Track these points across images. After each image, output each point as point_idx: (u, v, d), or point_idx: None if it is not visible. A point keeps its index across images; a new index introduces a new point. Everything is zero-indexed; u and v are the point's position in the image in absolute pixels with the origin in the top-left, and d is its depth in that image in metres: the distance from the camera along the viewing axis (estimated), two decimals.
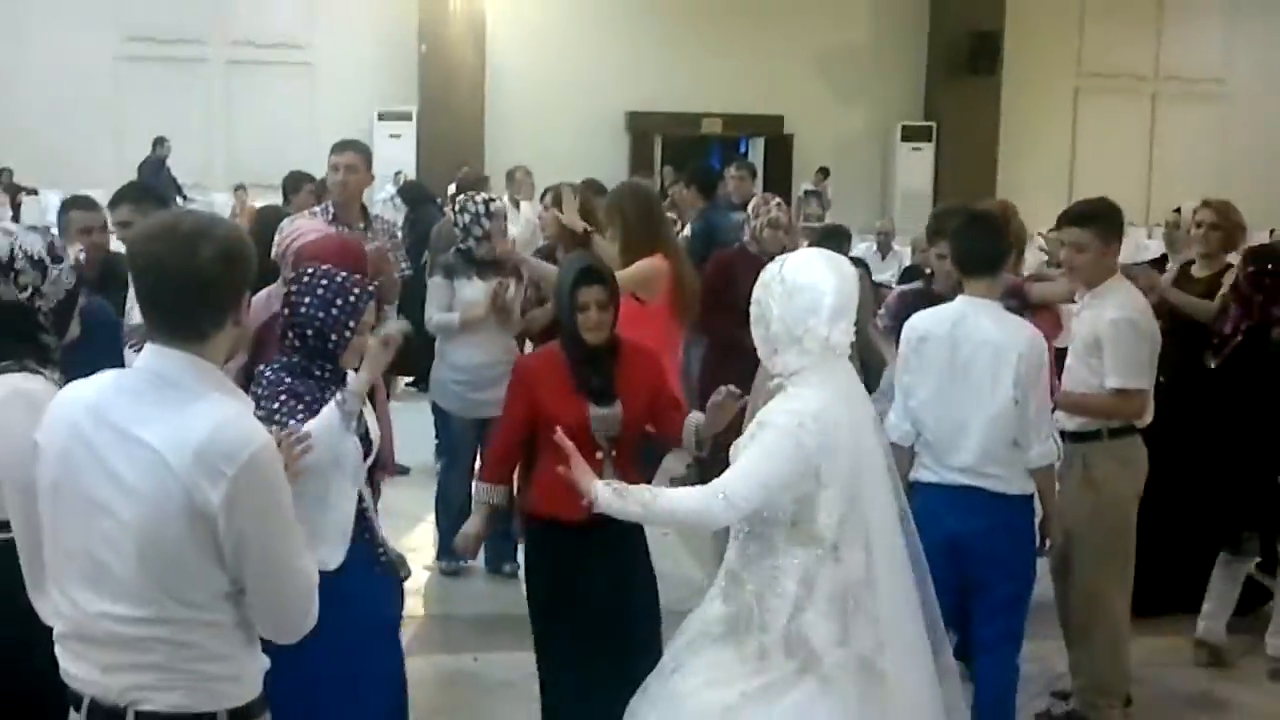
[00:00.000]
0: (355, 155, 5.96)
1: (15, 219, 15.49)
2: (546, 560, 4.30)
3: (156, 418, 2.42)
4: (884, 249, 13.86)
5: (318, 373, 3.61)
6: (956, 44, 19.79)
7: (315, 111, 17.95)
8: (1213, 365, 5.75)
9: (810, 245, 6.24)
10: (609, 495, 3.22)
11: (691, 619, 3.46)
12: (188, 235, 2.47)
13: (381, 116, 18.44)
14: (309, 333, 3.58)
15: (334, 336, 3.59)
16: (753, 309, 3.39)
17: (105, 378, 2.57)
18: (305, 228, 5.05)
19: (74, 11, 17.87)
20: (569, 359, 4.24)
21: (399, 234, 6.82)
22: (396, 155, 17.33)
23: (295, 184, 8.38)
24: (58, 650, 2.56)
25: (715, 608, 3.39)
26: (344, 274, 3.71)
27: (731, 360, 5.39)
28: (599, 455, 4.13)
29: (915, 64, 20.64)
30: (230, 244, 2.50)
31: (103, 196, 16.96)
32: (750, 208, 6.73)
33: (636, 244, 5.74)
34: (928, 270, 6.12)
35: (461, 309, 6.08)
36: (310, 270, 3.73)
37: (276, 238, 4.96)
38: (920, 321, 4.46)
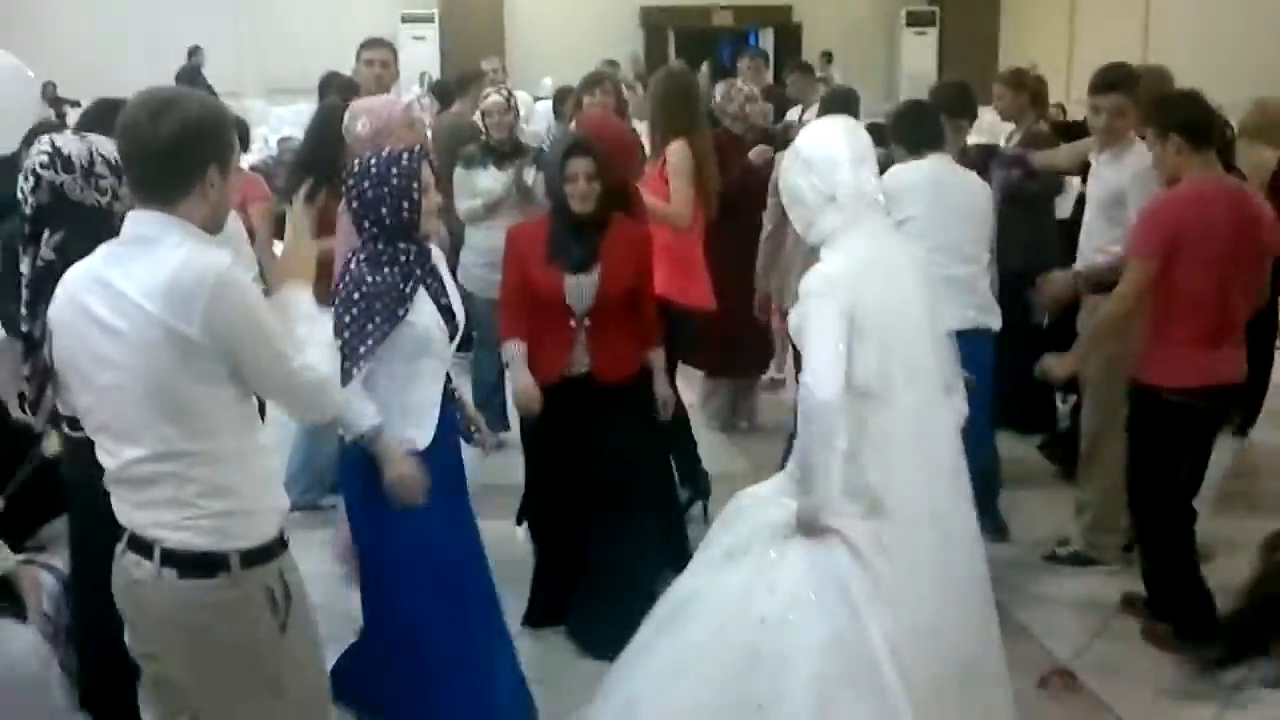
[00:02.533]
0: (386, 51, 6.47)
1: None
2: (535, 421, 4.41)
3: (132, 270, 2.54)
4: None
5: (402, 258, 3.52)
6: None
7: (341, 17, 18.36)
8: None
9: (820, 114, 6.27)
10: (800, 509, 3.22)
11: (756, 489, 3.53)
12: (157, 105, 2.57)
13: (405, 19, 18.96)
14: (383, 210, 3.51)
15: (405, 204, 3.51)
16: (783, 196, 3.49)
17: (100, 248, 2.67)
18: (369, 102, 5.10)
19: None
20: (552, 227, 4.35)
21: (427, 131, 7.03)
22: (420, 57, 17.85)
23: (329, 83, 8.80)
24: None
25: (779, 477, 3.50)
26: (388, 149, 3.65)
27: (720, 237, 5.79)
28: (572, 324, 4.30)
29: None
30: (194, 115, 2.58)
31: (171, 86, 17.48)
32: (721, 96, 6.92)
33: (667, 126, 5.58)
34: None
35: (483, 196, 6.32)
36: (357, 159, 3.67)
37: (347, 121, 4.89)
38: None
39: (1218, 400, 4.47)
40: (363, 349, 3.39)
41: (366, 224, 3.55)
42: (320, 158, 5.23)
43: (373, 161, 3.57)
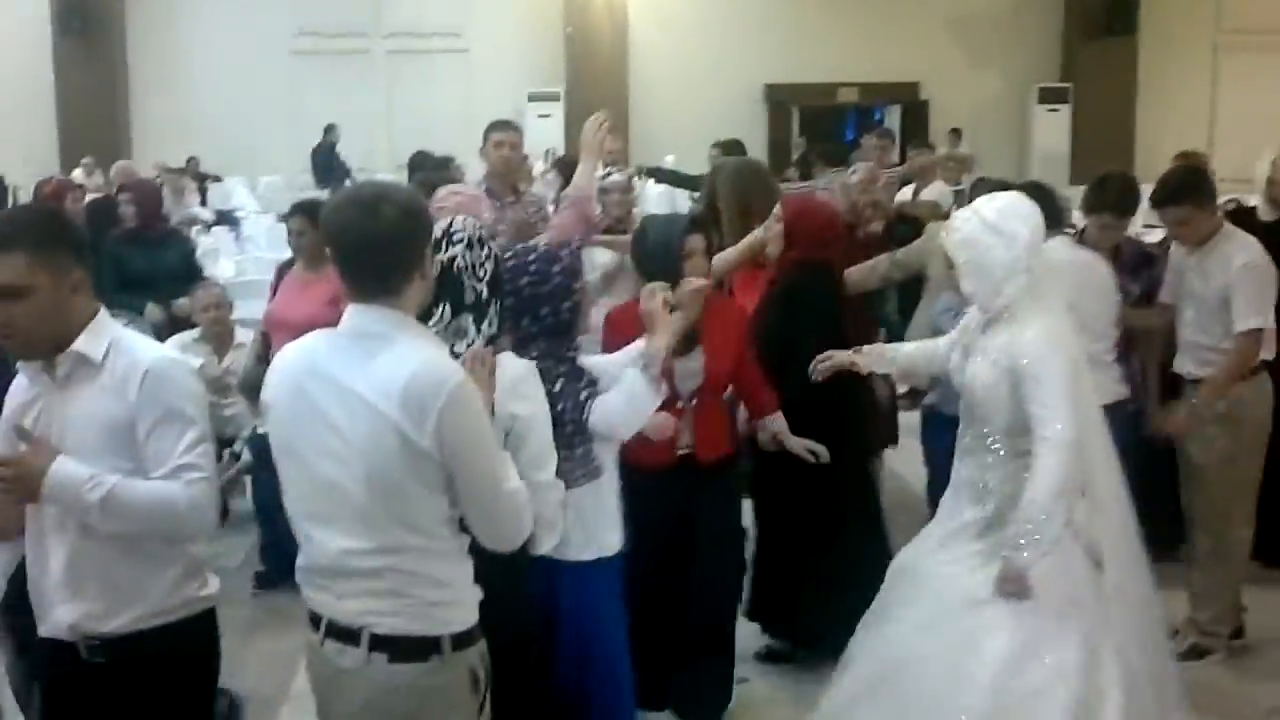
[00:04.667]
0: (515, 133, 6.57)
1: (202, 204, 16.84)
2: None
3: (363, 368, 2.60)
4: None
5: (568, 353, 3.53)
6: (1093, 4, 19.73)
7: (471, 95, 18.89)
8: None
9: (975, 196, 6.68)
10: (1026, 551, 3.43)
11: (928, 533, 3.86)
12: (370, 199, 2.66)
13: (531, 98, 19.27)
14: (543, 311, 3.45)
15: (567, 304, 3.47)
16: (966, 264, 3.65)
17: (313, 338, 2.76)
18: (455, 192, 5.11)
19: (251, 11, 19.25)
20: None
21: (548, 208, 7.04)
22: (547, 134, 18.12)
23: (419, 163, 8.76)
24: (299, 580, 2.80)
25: (963, 515, 3.74)
26: (535, 245, 3.62)
27: None
28: (679, 405, 4.24)
29: (1051, 25, 20.61)
30: (408, 203, 2.69)
31: (281, 182, 18.28)
32: (857, 179, 6.62)
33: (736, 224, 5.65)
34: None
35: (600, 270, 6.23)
36: (509, 252, 3.55)
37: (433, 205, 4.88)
38: None
39: None
40: (581, 474, 3.46)
41: (525, 323, 3.47)
42: None
43: (529, 258, 3.51)
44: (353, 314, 2.68)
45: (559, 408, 3.38)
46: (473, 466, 2.63)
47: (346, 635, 2.67)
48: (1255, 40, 20.48)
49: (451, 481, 2.63)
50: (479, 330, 3.21)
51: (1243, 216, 6.36)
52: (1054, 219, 4.95)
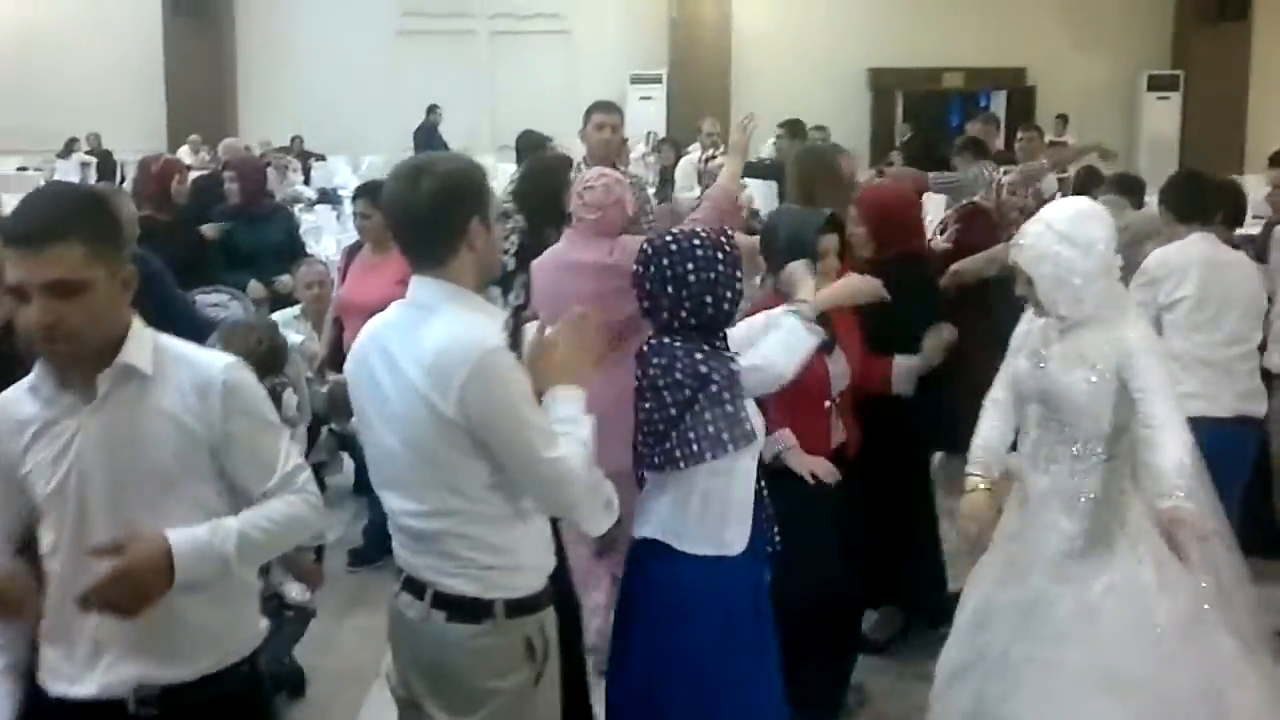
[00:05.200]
0: (616, 115, 6.47)
1: (306, 182, 17.09)
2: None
3: (407, 339, 2.66)
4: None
5: (716, 346, 3.31)
6: None
7: (572, 77, 18.98)
8: None
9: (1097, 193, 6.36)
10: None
11: (1024, 552, 3.70)
12: (411, 172, 2.68)
13: (634, 80, 19.32)
14: (707, 300, 3.25)
15: (728, 294, 3.28)
16: (1044, 277, 3.55)
17: (386, 311, 2.80)
18: (604, 174, 4.93)
19: None
20: None
21: (648, 190, 7.17)
22: (648, 116, 18.19)
23: (525, 143, 8.75)
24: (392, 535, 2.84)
25: (1061, 527, 3.64)
26: (698, 231, 3.37)
27: None
28: (826, 404, 4.19)
29: (1162, 10, 20.27)
30: (448, 177, 2.66)
31: (382, 162, 18.35)
32: (1009, 181, 6.70)
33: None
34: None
35: None
36: (670, 235, 3.34)
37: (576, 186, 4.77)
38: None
39: None
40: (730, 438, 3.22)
41: (684, 312, 3.26)
42: (549, 213, 5.09)
43: (695, 242, 3.28)
44: (411, 285, 2.74)
45: (704, 369, 3.22)
46: (504, 435, 2.61)
47: (416, 588, 2.76)
48: None
49: (487, 448, 2.63)
50: (505, 302, 3.23)
51: None
52: (1204, 211, 4.94)
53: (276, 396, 3.52)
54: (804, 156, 5.67)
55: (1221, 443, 3.84)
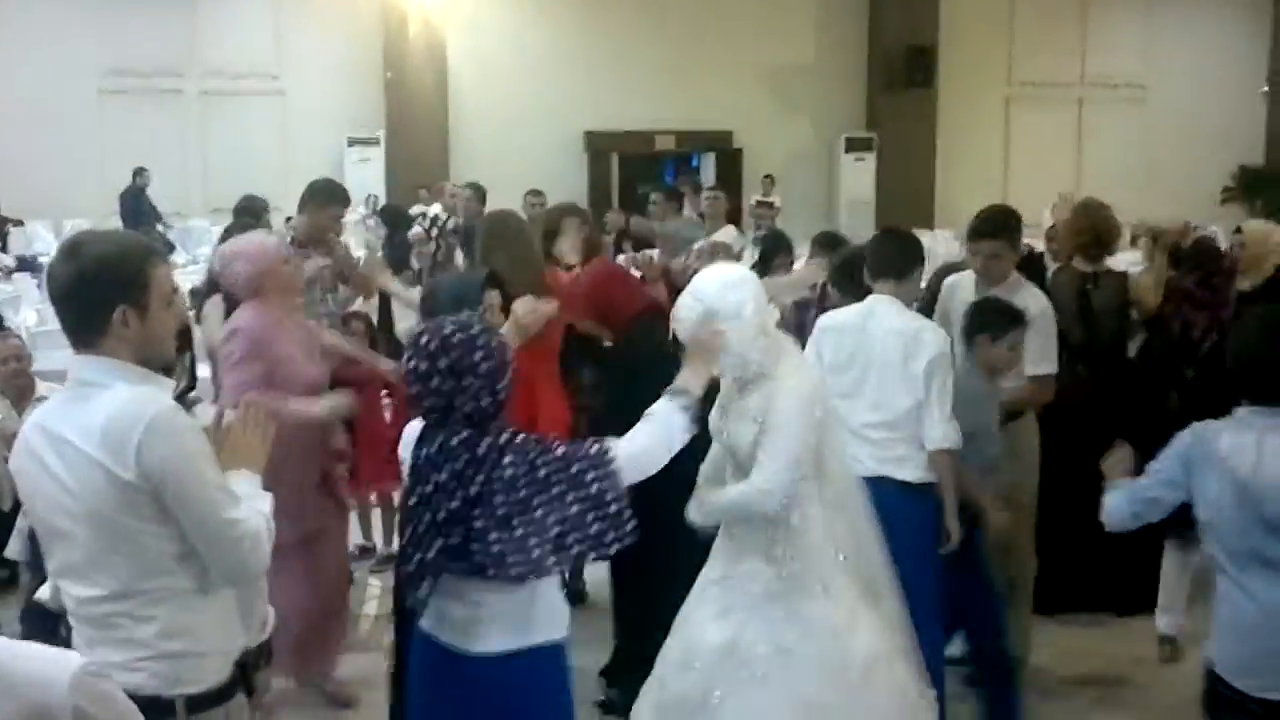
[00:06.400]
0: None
1: (3, 249, 16.23)
2: None
3: (73, 415, 2.60)
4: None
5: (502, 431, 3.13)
6: (894, 58, 20.61)
7: (288, 138, 18.71)
8: (1189, 374, 5.96)
9: (762, 251, 6.88)
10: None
11: (725, 595, 3.85)
12: (67, 249, 2.66)
13: (351, 142, 19.21)
14: (497, 388, 3.10)
15: (503, 384, 3.12)
16: (699, 344, 3.60)
17: (51, 398, 2.80)
18: (240, 245, 5.11)
19: (56, 46, 18.44)
20: None
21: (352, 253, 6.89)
22: (367, 179, 18.09)
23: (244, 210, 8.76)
24: None
25: (761, 572, 3.79)
26: (470, 321, 3.20)
27: None
28: None
29: (856, 78, 21.49)
30: (97, 260, 2.61)
31: (88, 226, 17.59)
32: (697, 249, 7.26)
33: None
34: None
35: None
36: (449, 326, 3.12)
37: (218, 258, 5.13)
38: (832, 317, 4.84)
39: None
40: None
41: (469, 402, 3.06)
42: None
43: (475, 331, 3.11)
44: (72, 364, 2.68)
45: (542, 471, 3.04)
46: (185, 492, 2.57)
47: None
48: (1043, 91, 21.89)
49: (169, 511, 2.58)
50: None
51: (1028, 262, 6.66)
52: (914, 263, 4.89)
53: None
54: (490, 223, 5.82)
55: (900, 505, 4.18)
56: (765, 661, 3.72)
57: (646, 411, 3.27)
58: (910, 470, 4.49)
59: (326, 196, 6.23)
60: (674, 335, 3.80)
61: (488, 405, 3.07)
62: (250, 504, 2.70)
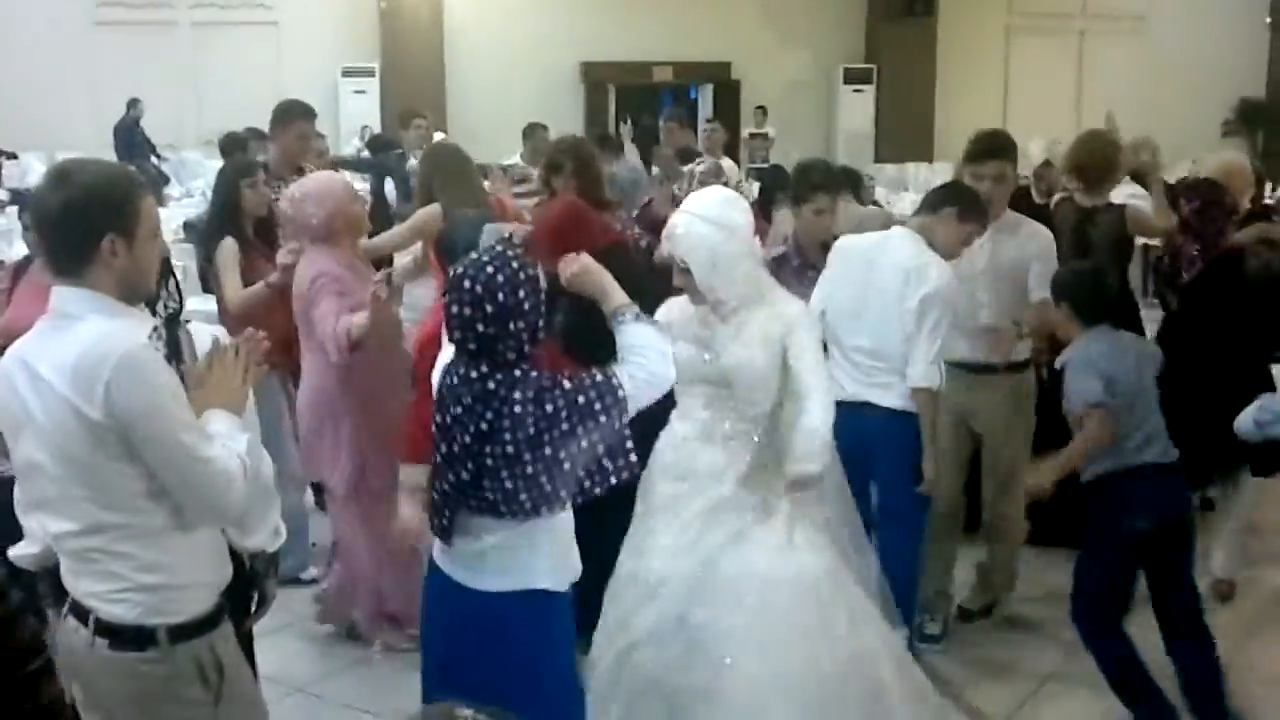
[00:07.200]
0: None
1: None
2: None
3: (48, 349, 2.59)
4: None
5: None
6: None
7: (281, 70, 18.45)
8: (1173, 306, 6.01)
9: (762, 185, 6.84)
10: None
11: (694, 523, 3.89)
12: (54, 177, 2.64)
13: (345, 73, 18.99)
14: (540, 323, 3.06)
15: (540, 324, 3.07)
16: (700, 263, 3.76)
17: (34, 326, 2.71)
18: (310, 186, 5.05)
19: None
20: None
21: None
22: (361, 111, 17.96)
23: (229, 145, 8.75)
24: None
25: (737, 497, 3.89)
26: (498, 251, 3.08)
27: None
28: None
29: (856, 7, 21.27)
30: (86, 188, 2.60)
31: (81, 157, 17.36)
32: (701, 172, 7.14)
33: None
34: None
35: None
36: (472, 262, 3.05)
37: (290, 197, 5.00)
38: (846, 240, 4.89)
39: None
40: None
41: (513, 337, 3.00)
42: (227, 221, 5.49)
43: (517, 265, 3.01)
44: (52, 295, 2.66)
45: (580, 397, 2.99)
46: (154, 433, 2.55)
47: (80, 614, 2.69)
48: (1043, 23, 21.69)
49: (139, 450, 2.57)
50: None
51: (1017, 197, 6.60)
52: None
53: None
54: (427, 155, 5.84)
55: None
56: (739, 581, 3.79)
57: (620, 346, 3.12)
58: (894, 398, 4.55)
59: (284, 114, 6.17)
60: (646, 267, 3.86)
61: (527, 345, 3.02)
62: (225, 443, 2.66)
